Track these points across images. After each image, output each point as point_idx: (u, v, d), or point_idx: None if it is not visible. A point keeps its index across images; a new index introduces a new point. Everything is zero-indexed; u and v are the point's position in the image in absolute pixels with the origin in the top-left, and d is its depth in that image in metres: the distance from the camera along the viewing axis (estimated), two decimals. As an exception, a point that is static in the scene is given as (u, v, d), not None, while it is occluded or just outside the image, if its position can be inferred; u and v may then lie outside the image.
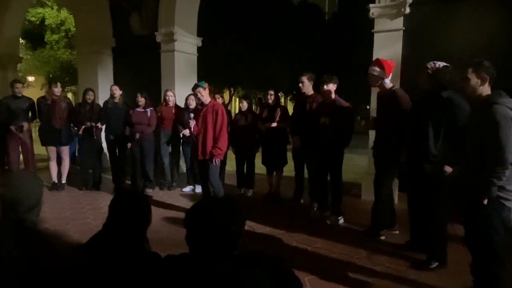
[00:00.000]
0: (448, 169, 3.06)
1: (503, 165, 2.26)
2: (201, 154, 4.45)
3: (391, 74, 3.81)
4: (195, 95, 4.61)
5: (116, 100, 5.89)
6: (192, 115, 4.69)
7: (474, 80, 2.49)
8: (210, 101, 4.51)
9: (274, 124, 5.23)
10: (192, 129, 4.61)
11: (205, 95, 4.45)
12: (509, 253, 2.49)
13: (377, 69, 3.76)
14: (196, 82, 4.69)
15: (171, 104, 6.02)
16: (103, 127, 5.93)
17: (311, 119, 4.57)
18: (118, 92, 5.89)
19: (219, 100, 5.41)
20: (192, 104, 5.77)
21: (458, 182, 2.66)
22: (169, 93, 6.04)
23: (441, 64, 3.14)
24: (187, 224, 1.30)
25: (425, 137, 3.13)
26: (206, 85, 4.46)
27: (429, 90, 3.20)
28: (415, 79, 3.34)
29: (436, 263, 3.20)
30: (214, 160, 4.35)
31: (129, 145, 5.74)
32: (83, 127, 5.73)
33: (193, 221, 1.29)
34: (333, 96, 4.40)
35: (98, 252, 1.53)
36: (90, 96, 5.89)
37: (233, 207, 1.34)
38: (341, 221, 4.47)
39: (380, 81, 3.80)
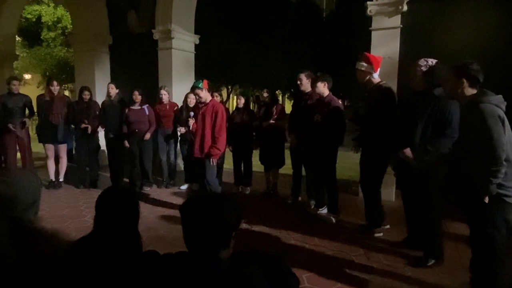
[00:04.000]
0: (408, 152, 3.14)
1: (497, 162, 2.26)
2: (198, 152, 4.44)
3: (378, 69, 3.78)
4: (196, 95, 4.56)
5: (112, 98, 5.87)
6: (192, 113, 4.65)
7: (454, 82, 2.52)
8: (210, 100, 4.44)
9: (271, 121, 5.24)
10: (191, 127, 4.59)
11: (203, 95, 4.37)
12: (509, 252, 2.50)
13: (365, 64, 3.74)
14: (194, 81, 4.63)
15: (165, 101, 6.02)
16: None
17: (307, 116, 4.57)
18: (114, 90, 5.86)
19: (217, 99, 5.40)
20: (192, 102, 5.76)
21: (457, 181, 2.67)
22: (162, 91, 6.03)
23: (433, 61, 3.14)
24: (182, 214, 1.30)
25: (413, 133, 3.15)
26: (204, 82, 4.38)
27: (422, 87, 3.18)
28: (408, 77, 3.34)
29: (433, 260, 3.21)
30: (211, 160, 4.34)
31: (126, 143, 5.74)
32: (82, 125, 5.71)
33: (188, 211, 1.30)
34: (326, 94, 4.40)
35: (90, 251, 1.52)
36: (86, 96, 5.87)
37: (227, 199, 1.35)
38: (339, 218, 4.48)
39: (368, 76, 3.78)
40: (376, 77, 3.78)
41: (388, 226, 4.08)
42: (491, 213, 2.37)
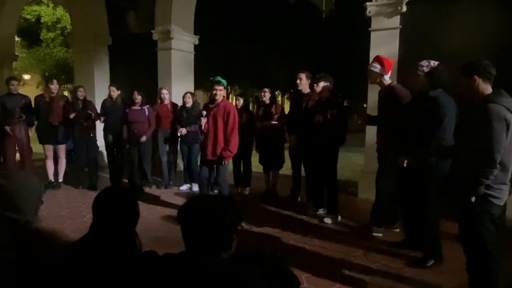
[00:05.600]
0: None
1: (491, 164, 2.26)
2: (210, 154, 4.38)
3: (390, 71, 3.83)
4: (214, 90, 4.43)
5: (114, 99, 5.87)
6: (204, 112, 4.53)
7: (467, 79, 2.48)
8: (222, 100, 4.38)
9: (273, 122, 5.23)
10: (203, 127, 4.54)
11: (222, 93, 4.37)
12: (503, 251, 2.50)
13: (378, 65, 3.78)
14: (216, 77, 4.59)
15: (166, 102, 6.02)
16: (101, 124, 5.95)
17: (307, 117, 4.57)
18: (115, 93, 5.87)
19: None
20: (189, 102, 5.75)
21: (452, 178, 2.68)
22: (164, 91, 6.03)
23: (435, 62, 3.14)
24: (181, 217, 1.30)
25: (411, 133, 3.17)
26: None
27: (421, 88, 3.19)
28: (408, 78, 3.35)
29: (432, 261, 3.21)
30: (223, 161, 4.30)
31: (126, 143, 5.75)
32: (73, 114, 5.67)
33: (187, 214, 1.30)
34: (327, 94, 4.40)
35: (89, 252, 1.52)
36: (81, 93, 5.87)
37: (227, 200, 1.35)
38: (338, 219, 4.48)
39: (379, 78, 3.82)
40: (387, 78, 3.82)
41: (397, 230, 4.04)
42: (478, 212, 2.38)
